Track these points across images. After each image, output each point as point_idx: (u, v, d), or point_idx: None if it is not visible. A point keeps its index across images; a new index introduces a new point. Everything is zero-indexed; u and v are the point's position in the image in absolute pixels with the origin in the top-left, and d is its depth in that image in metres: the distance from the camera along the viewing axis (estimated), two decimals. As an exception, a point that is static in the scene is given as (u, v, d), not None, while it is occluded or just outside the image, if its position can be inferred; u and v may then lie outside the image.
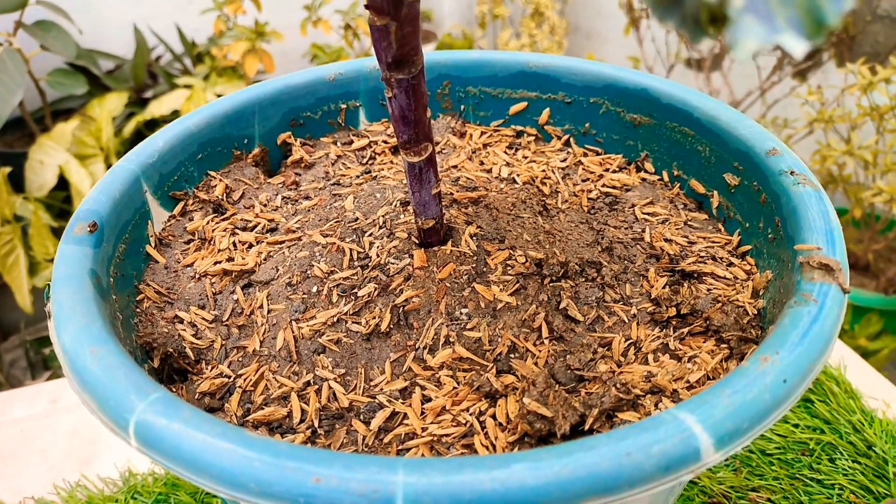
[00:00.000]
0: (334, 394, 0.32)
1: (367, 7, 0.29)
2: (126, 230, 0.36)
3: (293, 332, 0.34)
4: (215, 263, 0.38)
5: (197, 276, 0.38)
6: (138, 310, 0.35)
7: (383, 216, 0.39)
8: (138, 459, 0.56)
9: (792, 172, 0.34)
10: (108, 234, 0.34)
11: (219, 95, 1.49)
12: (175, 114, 1.47)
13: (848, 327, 1.18)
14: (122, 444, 0.59)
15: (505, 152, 0.48)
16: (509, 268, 0.36)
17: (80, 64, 1.54)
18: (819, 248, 0.30)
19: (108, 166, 1.39)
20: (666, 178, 0.45)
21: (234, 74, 1.53)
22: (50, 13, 1.54)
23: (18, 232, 1.31)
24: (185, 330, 0.35)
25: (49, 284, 0.31)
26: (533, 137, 0.50)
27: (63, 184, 1.38)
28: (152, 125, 1.54)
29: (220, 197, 0.42)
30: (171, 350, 0.34)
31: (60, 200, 1.44)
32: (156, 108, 1.44)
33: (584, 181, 0.45)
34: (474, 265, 0.36)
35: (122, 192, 0.37)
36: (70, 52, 1.46)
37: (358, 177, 0.46)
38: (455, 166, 0.47)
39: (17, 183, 1.37)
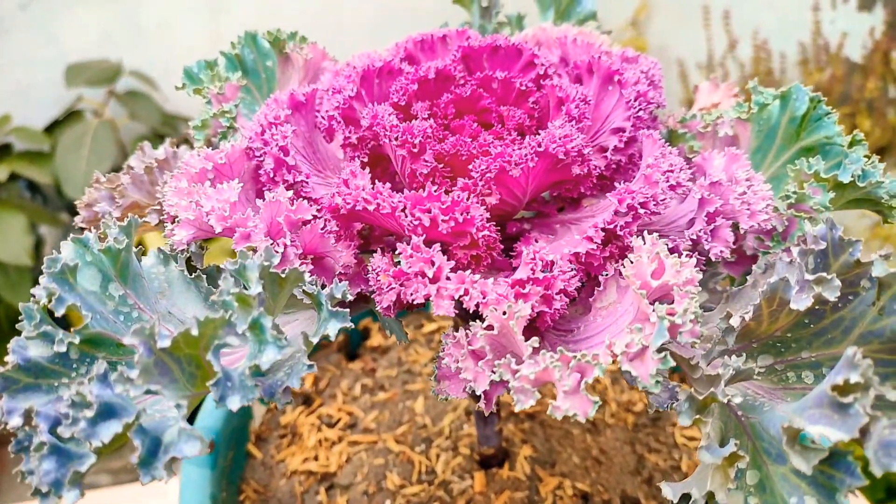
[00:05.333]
0: None
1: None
2: (234, 437, 0.43)
3: (369, 546, 0.40)
4: (304, 461, 0.44)
5: (288, 473, 0.44)
6: (240, 511, 0.42)
7: (449, 425, 0.45)
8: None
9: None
10: (223, 450, 0.41)
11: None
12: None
13: None
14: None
15: (559, 345, 0.53)
16: (559, 498, 0.41)
17: (162, 132, 1.66)
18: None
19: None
20: (705, 394, 0.49)
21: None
22: (138, 82, 1.67)
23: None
24: (277, 533, 0.41)
25: None
26: (585, 331, 0.55)
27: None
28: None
29: (309, 389, 0.48)
30: (266, 553, 0.40)
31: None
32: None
33: (630, 388, 0.50)
34: (527, 493, 0.41)
35: (232, 401, 0.43)
36: (156, 120, 1.58)
37: (425, 364, 0.52)
38: (513, 358, 0.52)
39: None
